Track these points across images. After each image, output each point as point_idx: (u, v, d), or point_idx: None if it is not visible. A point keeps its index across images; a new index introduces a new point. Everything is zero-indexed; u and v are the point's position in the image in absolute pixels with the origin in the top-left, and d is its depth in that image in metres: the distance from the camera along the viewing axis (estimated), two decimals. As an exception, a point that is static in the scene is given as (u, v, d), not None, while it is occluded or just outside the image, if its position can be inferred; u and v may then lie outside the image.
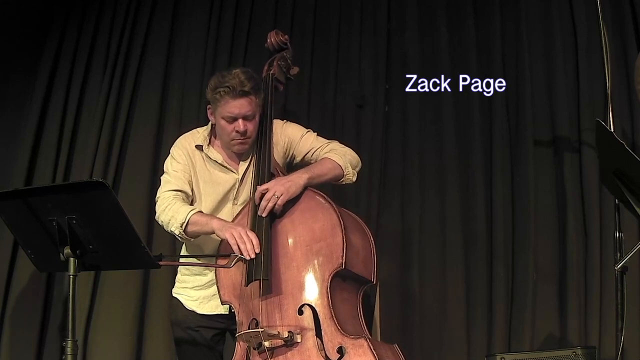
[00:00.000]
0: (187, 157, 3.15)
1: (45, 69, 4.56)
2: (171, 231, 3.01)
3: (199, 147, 3.17)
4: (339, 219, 2.87)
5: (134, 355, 4.02)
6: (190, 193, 3.13)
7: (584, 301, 3.59)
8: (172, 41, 4.47)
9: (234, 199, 3.15)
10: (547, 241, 3.73)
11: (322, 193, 2.99)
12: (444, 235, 3.85)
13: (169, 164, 3.18)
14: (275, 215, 2.97)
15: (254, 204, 2.98)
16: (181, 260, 3.29)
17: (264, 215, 2.94)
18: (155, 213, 3.12)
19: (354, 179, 3.18)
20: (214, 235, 3.01)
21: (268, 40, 3.45)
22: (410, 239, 3.88)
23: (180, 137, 3.27)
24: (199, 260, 3.20)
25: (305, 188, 3.00)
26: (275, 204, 2.94)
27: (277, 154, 3.19)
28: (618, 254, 3.07)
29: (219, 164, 3.16)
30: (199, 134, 3.22)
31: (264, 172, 3.05)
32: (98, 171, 4.24)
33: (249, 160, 3.18)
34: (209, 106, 3.13)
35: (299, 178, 3.02)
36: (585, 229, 3.67)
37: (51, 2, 4.66)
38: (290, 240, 2.92)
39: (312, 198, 2.98)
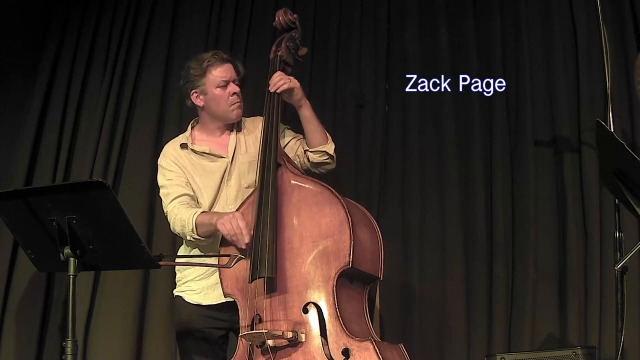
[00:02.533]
0: (175, 163, 3.19)
1: (45, 69, 4.56)
2: (190, 238, 3.07)
3: (184, 146, 3.21)
4: (347, 215, 2.79)
5: (134, 355, 4.02)
6: (193, 193, 3.16)
7: (584, 301, 3.58)
8: (172, 41, 4.47)
9: (227, 181, 3.18)
10: (547, 241, 3.72)
11: (330, 186, 2.92)
12: (444, 235, 3.85)
13: (161, 177, 3.21)
14: (281, 209, 2.92)
15: (258, 197, 2.94)
16: (181, 260, 3.28)
17: (271, 89, 3.12)
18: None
19: (329, 160, 3.22)
20: None
21: (276, 19, 3.36)
22: (410, 239, 3.88)
23: (162, 150, 3.30)
24: (199, 260, 3.20)
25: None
26: (284, 86, 3.10)
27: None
28: (618, 254, 3.06)
29: (207, 154, 3.19)
30: (181, 137, 3.28)
31: (270, 160, 3.00)
32: (98, 171, 4.24)
33: (234, 141, 3.22)
34: (194, 91, 3.19)
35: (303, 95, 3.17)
36: (585, 229, 3.66)
37: (51, 2, 4.66)
38: (296, 235, 2.86)
39: (320, 191, 2.89)
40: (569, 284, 3.61)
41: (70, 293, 2.47)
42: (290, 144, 3.26)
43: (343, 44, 4.20)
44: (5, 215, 2.57)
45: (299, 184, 2.96)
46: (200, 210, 3.04)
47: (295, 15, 3.36)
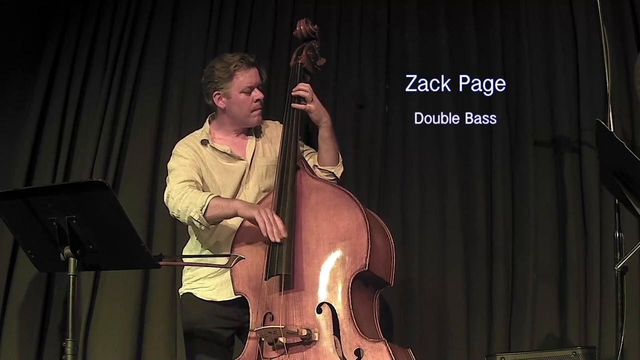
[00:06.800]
0: (194, 153, 3.18)
1: (45, 69, 4.55)
2: (190, 217, 2.97)
3: (205, 142, 3.22)
4: (365, 220, 2.85)
5: (134, 355, 4.02)
6: (201, 183, 3.13)
7: (584, 301, 3.59)
8: (172, 41, 4.46)
9: (245, 184, 3.20)
10: (547, 241, 3.73)
11: (348, 190, 2.98)
12: (444, 235, 3.85)
13: (173, 162, 3.17)
14: (299, 211, 2.95)
15: (277, 198, 2.97)
16: (181, 260, 3.29)
17: (293, 92, 3.19)
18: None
19: (334, 181, 3.28)
20: (229, 222, 3.04)
21: (297, 29, 3.42)
22: (410, 239, 3.88)
23: (180, 141, 3.30)
24: (198, 260, 3.19)
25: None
26: (305, 97, 3.18)
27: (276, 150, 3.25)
28: (618, 254, 3.07)
29: (228, 154, 3.20)
30: (200, 133, 3.28)
31: (289, 163, 3.04)
32: (98, 171, 4.23)
33: (253, 146, 3.25)
34: (217, 92, 3.18)
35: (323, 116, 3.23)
36: (585, 229, 3.67)
37: (51, 2, 4.66)
38: (313, 237, 2.90)
39: (338, 195, 2.95)
40: (569, 284, 3.62)
41: (70, 293, 2.47)
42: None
43: (343, 44, 4.20)
44: (5, 215, 2.57)
45: (318, 187, 3.01)
46: (217, 194, 3.03)
47: (315, 26, 3.43)
